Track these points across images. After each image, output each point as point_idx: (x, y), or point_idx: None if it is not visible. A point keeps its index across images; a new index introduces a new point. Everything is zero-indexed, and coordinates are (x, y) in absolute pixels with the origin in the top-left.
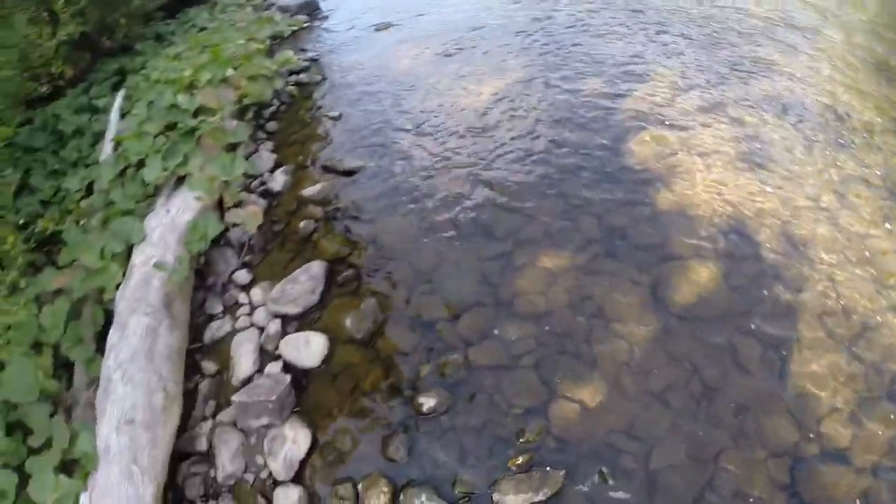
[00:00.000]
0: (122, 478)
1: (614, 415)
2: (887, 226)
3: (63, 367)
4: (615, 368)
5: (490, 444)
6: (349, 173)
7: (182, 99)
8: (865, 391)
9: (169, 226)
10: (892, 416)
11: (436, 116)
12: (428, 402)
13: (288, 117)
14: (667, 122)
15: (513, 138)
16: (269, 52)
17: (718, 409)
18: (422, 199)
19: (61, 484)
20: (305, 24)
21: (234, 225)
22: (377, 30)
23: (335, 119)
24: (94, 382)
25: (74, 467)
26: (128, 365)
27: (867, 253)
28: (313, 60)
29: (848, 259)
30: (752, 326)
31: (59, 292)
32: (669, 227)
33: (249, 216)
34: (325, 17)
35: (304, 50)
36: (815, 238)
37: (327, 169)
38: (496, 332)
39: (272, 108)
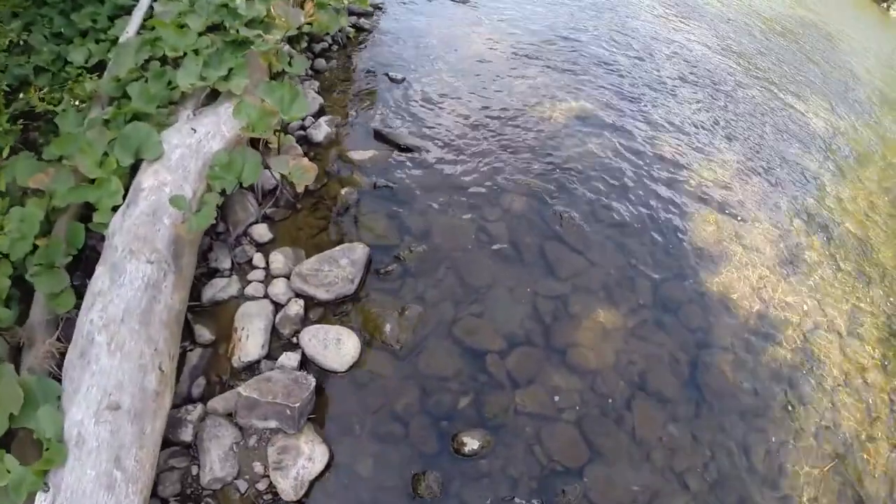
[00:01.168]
0: (98, 486)
1: (643, 489)
2: (886, 363)
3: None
4: (650, 441)
5: (526, 498)
6: (406, 150)
7: (240, 1)
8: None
9: (193, 150)
10: None
11: (510, 123)
12: (471, 444)
13: (341, 61)
14: (726, 209)
15: (584, 174)
16: None
17: (726, 498)
18: (483, 207)
19: (10, 467)
20: None
21: (268, 169)
22: (454, 1)
23: (397, 82)
24: (56, 323)
25: (22, 447)
26: (119, 326)
27: (865, 383)
28: (377, 8)
29: (848, 385)
30: (764, 427)
31: (33, 192)
32: (713, 314)
33: (301, 171)
34: None
35: None
36: (828, 359)
37: (381, 137)
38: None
39: (324, 45)
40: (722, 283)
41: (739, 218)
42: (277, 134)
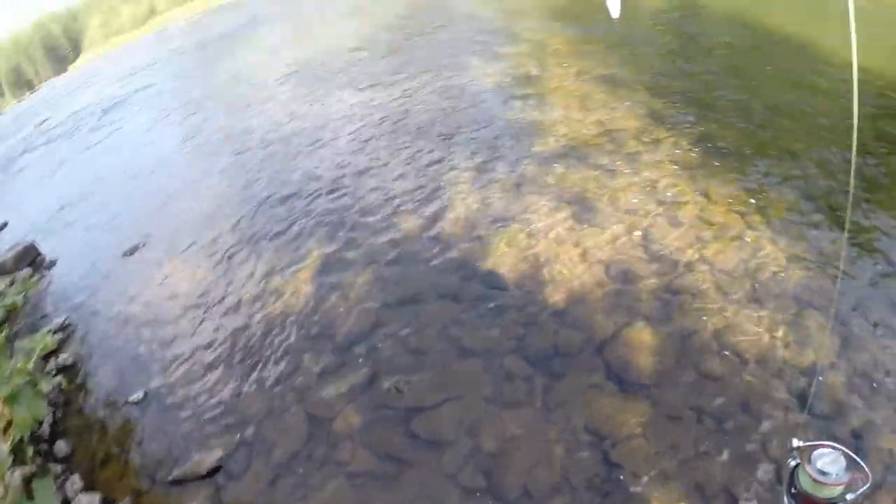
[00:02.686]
0: None
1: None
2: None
3: None
4: (647, 465)
5: None
6: (214, 470)
7: None
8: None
9: None
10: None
11: (261, 347)
12: None
13: (76, 425)
14: (495, 222)
15: (363, 334)
16: (8, 341)
17: (725, 416)
18: (330, 460)
19: None
20: (34, 280)
21: None
22: (125, 255)
23: (140, 402)
24: None
25: None
26: None
27: (699, 217)
28: (65, 328)
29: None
30: (700, 346)
31: None
32: (578, 319)
33: None
34: (53, 262)
35: (45, 316)
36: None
37: (180, 482)
38: None
39: (49, 421)
40: (558, 285)
41: (511, 219)
42: None
